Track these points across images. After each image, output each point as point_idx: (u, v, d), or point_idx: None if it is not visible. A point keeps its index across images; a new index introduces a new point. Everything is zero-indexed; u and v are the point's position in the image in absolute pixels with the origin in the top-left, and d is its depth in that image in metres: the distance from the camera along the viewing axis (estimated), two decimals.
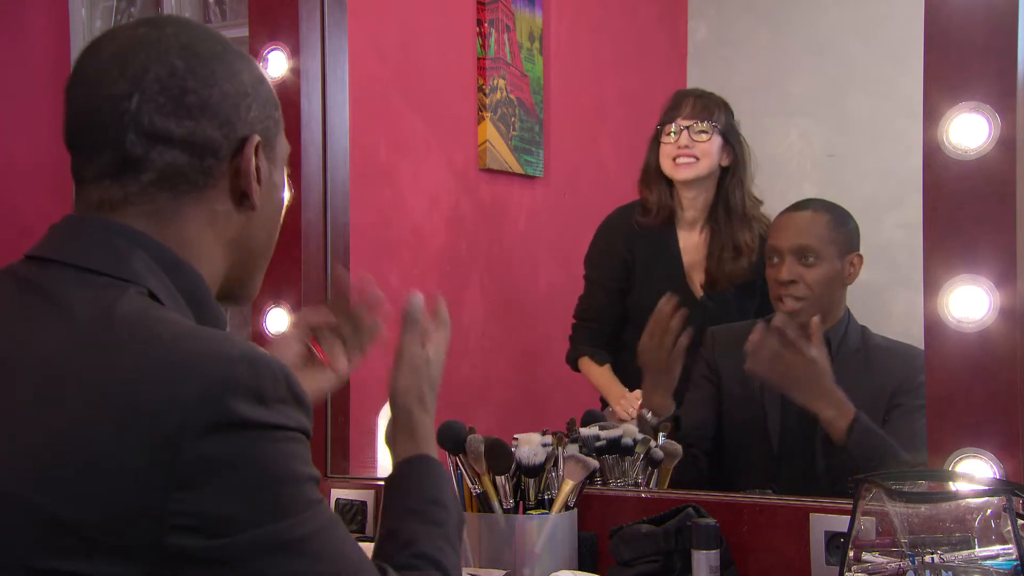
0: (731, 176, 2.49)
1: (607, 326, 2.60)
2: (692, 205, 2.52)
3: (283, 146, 1.18)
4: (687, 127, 2.47)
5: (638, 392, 2.45)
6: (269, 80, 1.17)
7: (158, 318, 1.00)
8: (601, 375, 2.56)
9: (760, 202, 2.52)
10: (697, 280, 2.52)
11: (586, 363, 2.58)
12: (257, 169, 1.11)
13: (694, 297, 2.50)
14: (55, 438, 0.92)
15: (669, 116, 2.50)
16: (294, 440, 0.99)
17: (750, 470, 2.10)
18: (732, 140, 2.50)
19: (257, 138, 1.10)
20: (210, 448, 0.92)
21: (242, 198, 1.11)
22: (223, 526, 0.93)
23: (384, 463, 2.19)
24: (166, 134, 1.05)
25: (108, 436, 0.92)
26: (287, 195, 1.22)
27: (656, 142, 2.52)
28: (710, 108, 2.49)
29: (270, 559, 0.95)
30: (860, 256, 2.20)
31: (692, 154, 2.47)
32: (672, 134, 2.48)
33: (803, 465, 2.17)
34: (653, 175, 2.52)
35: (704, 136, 2.47)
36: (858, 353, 2.19)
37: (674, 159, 2.48)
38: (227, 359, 0.96)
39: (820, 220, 2.20)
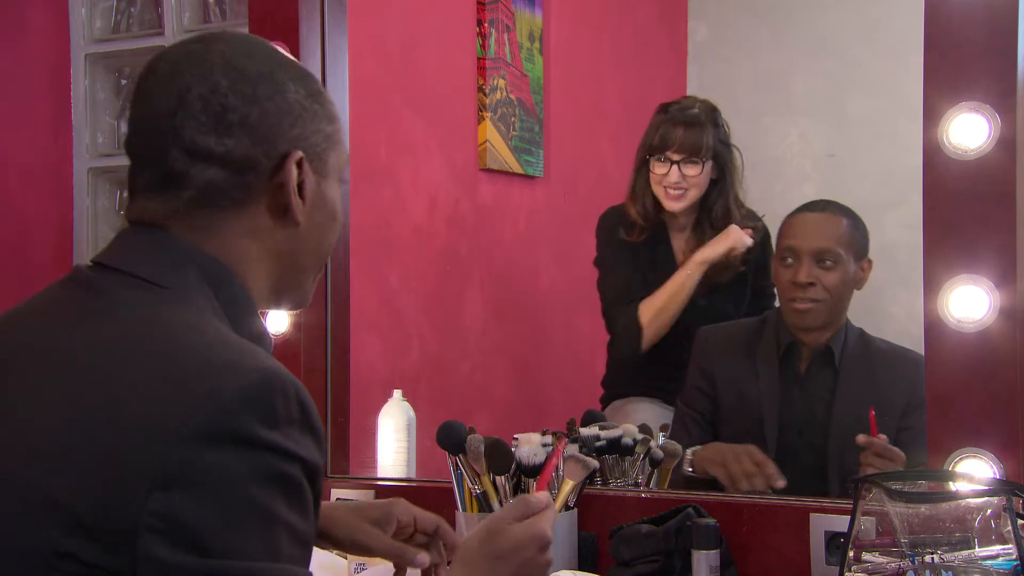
0: (719, 189, 2.47)
1: (642, 291, 2.49)
2: (682, 214, 2.50)
3: (338, 159, 1.18)
4: (677, 162, 2.44)
5: (731, 228, 2.41)
6: (327, 96, 1.18)
7: (196, 325, 1.03)
8: (664, 289, 2.44)
9: (742, 204, 2.49)
10: None
11: (646, 304, 2.45)
12: (301, 185, 1.12)
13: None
14: (70, 425, 0.95)
15: (658, 147, 2.46)
16: (295, 479, 0.96)
17: None
18: (720, 158, 2.47)
19: (299, 154, 1.11)
20: (200, 454, 0.91)
21: (284, 213, 1.12)
22: (185, 539, 0.91)
23: (383, 463, 2.19)
24: (206, 151, 1.08)
25: (115, 429, 0.93)
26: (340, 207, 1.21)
27: (644, 165, 2.49)
28: (700, 140, 2.44)
29: None
30: (870, 261, 2.19)
31: (683, 187, 2.46)
32: (661, 163, 2.46)
33: (800, 471, 2.16)
34: (640, 195, 2.50)
35: (695, 171, 2.45)
36: (861, 360, 2.18)
37: (665, 189, 2.46)
38: (239, 370, 0.96)
39: (839, 223, 2.18)
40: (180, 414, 0.92)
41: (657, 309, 2.43)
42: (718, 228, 2.47)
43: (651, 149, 2.48)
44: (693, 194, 2.47)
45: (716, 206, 2.47)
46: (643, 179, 2.50)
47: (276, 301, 1.18)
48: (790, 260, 2.18)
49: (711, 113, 2.49)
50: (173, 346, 0.99)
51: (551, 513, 1.26)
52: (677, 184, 2.45)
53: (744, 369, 2.23)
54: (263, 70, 1.11)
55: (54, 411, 0.97)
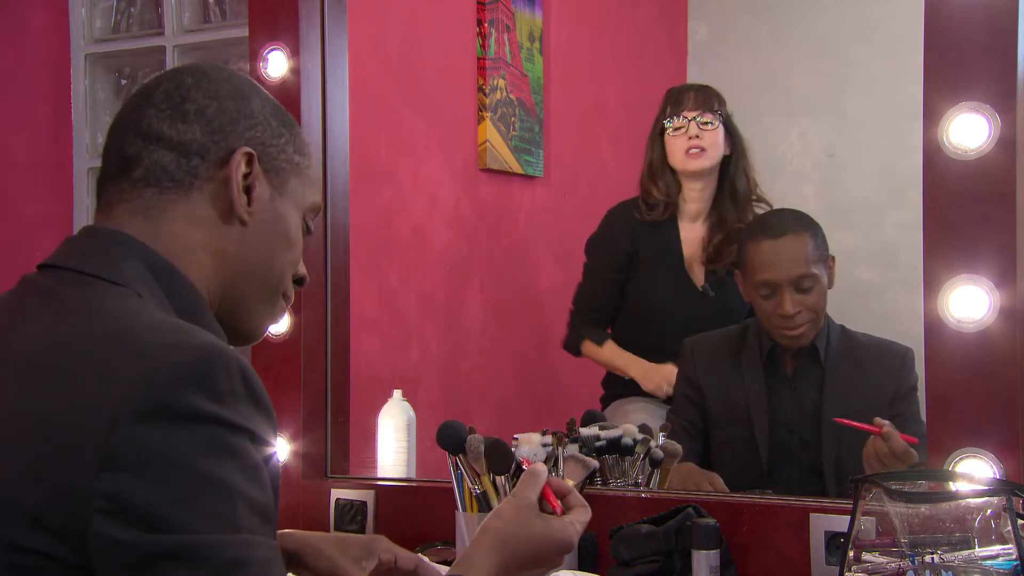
0: (734, 163, 2.53)
1: (607, 313, 2.63)
2: (698, 197, 2.54)
3: (302, 189, 1.19)
4: (693, 118, 2.50)
5: (670, 367, 2.44)
6: (299, 131, 1.20)
7: (137, 312, 1.03)
8: (609, 352, 2.58)
9: (757, 184, 2.55)
10: (697, 271, 2.54)
11: (589, 346, 2.60)
12: (249, 186, 1.13)
13: (695, 287, 2.53)
14: (16, 420, 0.95)
15: (673, 110, 2.53)
16: (246, 451, 0.95)
17: (738, 486, 2.08)
18: (732, 130, 2.54)
19: (248, 149, 1.13)
20: (144, 432, 0.91)
21: (229, 208, 1.13)
22: (136, 518, 0.90)
23: (383, 463, 2.19)
24: (159, 134, 1.11)
25: (60, 418, 0.93)
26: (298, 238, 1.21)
27: (659, 138, 2.54)
28: (710, 99, 2.53)
29: (168, 572, 0.90)
30: (834, 258, 2.18)
31: (700, 145, 2.50)
32: (677, 128, 2.51)
33: (795, 471, 2.16)
34: (659, 170, 2.54)
35: (710, 126, 2.50)
36: (846, 356, 2.17)
37: (685, 151, 2.51)
38: (179, 347, 0.96)
39: (805, 242, 2.15)
40: (122, 396, 0.92)
41: (592, 358, 2.62)
42: (743, 199, 2.51)
43: (666, 113, 2.54)
44: (712, 155, 2.51)
45: (740, 180, 2.52)
46: (659, 153, 2.54)
47: (225, 317, 1.16)
48: (766, 292, 2.15)
49: (717, 90, 2.58)
50: (114, 332, 0.99)
51: (583, 519, 1.29)
52: (696, 140, 2.50)
53: (730, 376, 2.22)
54: (233, 81, 1.16)
55: (2, 407, 0.97)
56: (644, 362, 2.52)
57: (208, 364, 0.95)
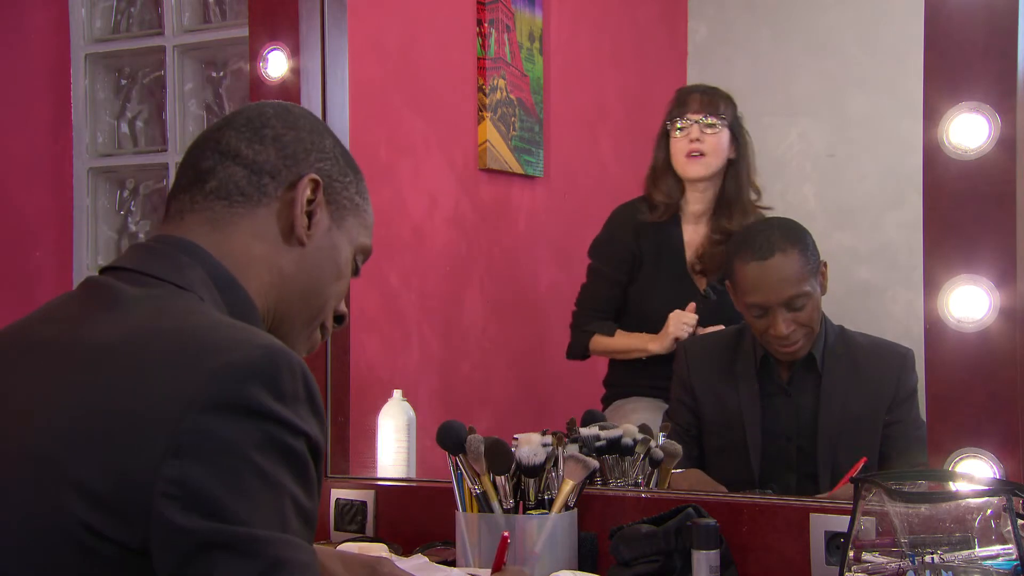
0: (735, 169, 2.52)
1: (610, 314, 2.61)
2: (700, 200, 2.55)
3: (356, 228, 1.25)
4: (696, 121, 2.50)
5: (674, 313, 2.44)
6: (363, 180, 1.27)
7: (202, 312, 1.09)
8: (621, 339, 2.55)
9: (759, 194, 2.54)
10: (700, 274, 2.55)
11: (599, 340, 2.57)
12: (312, 212, 1.20)
13: (697, 290, 2.53)
14: (90, 408, 0.99)
15: (677, 111, 2.53)
16: (300, 454, 0.98)
17: (732, 492, 2.07)
18: (738, 133, 2.53)
19: (316, 177, 1.20)
20: (211, 423, 0.94)
21: (291, 229, 1.19)
22: (197, 504, 0.93)
23: (383, 463, 2.19)
24: (236, 152, 1.19)
25: (131, 408, 0.97)
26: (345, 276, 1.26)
27: (665, 139, 2.55)
28: (717, 102, 2.52)
29: (221, 562, 0.92)
30: (825, 263, 2.14)
31: (701, 149, 2.50)
32: (681, 129, 2.51)
33: (790, 477, 2.15)
34: (661, 172, 2.55)
35: (713, 130, 2.50)
36: (844, 359, 2.14)
37: (686, 155, 2.50)
38: (246, 344, 1.00)
39: (794, 260, 2.09)
40: (192, 387, 0.96)
41: (605, 350, 2.59)
42: (740, 208, 2.50)
43: (671, 114, 2.54)
44: (712, 162, 2.50)
45: (738, 186, 2.51)
46: (663, 154, 2.54)
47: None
48: (759, 313, 2.11)
49: (727, 94, 2.57)
50: (183, 328, 1.03)
51: None
52: (697, 143, 2.49)
53: (723, 381, 2.20)
54: (310, 119, 1.25)
55: (75, 398, 1.00)
56: (651, 337, 2.48)
57: (274, 364, 0.99)
